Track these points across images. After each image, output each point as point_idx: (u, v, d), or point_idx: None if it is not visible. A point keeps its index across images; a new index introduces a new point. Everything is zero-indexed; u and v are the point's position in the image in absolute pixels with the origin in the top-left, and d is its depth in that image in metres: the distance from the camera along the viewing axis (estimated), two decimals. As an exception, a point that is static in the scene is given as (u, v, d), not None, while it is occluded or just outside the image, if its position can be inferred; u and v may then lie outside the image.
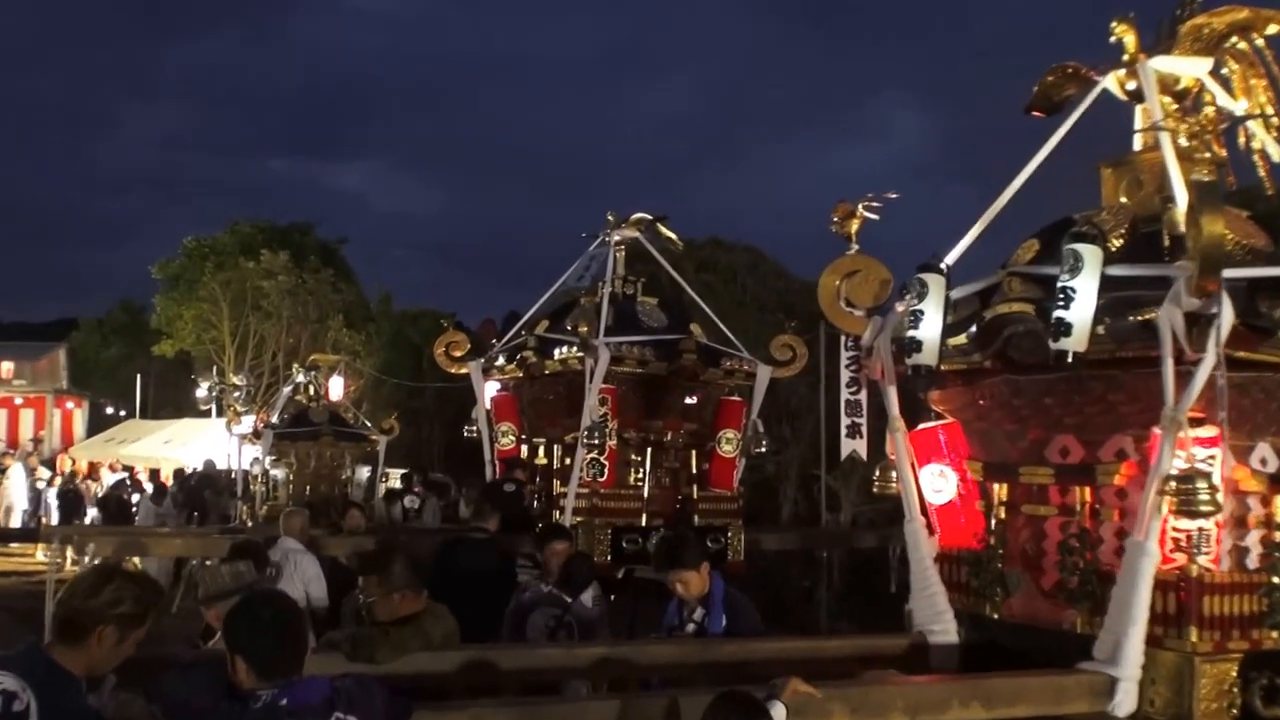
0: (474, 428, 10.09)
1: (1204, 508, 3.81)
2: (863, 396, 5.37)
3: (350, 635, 3.65)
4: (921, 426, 5.00)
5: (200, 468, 17.16)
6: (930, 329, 4.50)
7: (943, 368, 4.66)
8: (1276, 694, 4.05)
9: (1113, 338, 4.12)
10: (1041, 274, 4.42)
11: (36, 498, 20.16)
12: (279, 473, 14.63)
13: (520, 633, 5.88)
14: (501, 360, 9.96)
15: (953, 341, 4.68)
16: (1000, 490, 4.78)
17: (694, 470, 9.82)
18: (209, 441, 21.26)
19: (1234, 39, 4.81)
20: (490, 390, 10.34)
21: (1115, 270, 4.13)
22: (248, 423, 15.61)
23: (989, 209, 5.04)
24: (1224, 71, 4.96)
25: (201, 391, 22.78)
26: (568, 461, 9.35)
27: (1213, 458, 3.98)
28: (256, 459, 14.80)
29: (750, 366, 9.87)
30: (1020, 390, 4.70)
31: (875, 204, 5.19)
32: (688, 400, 9.80)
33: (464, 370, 10.15)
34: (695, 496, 9.69)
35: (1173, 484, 3.87)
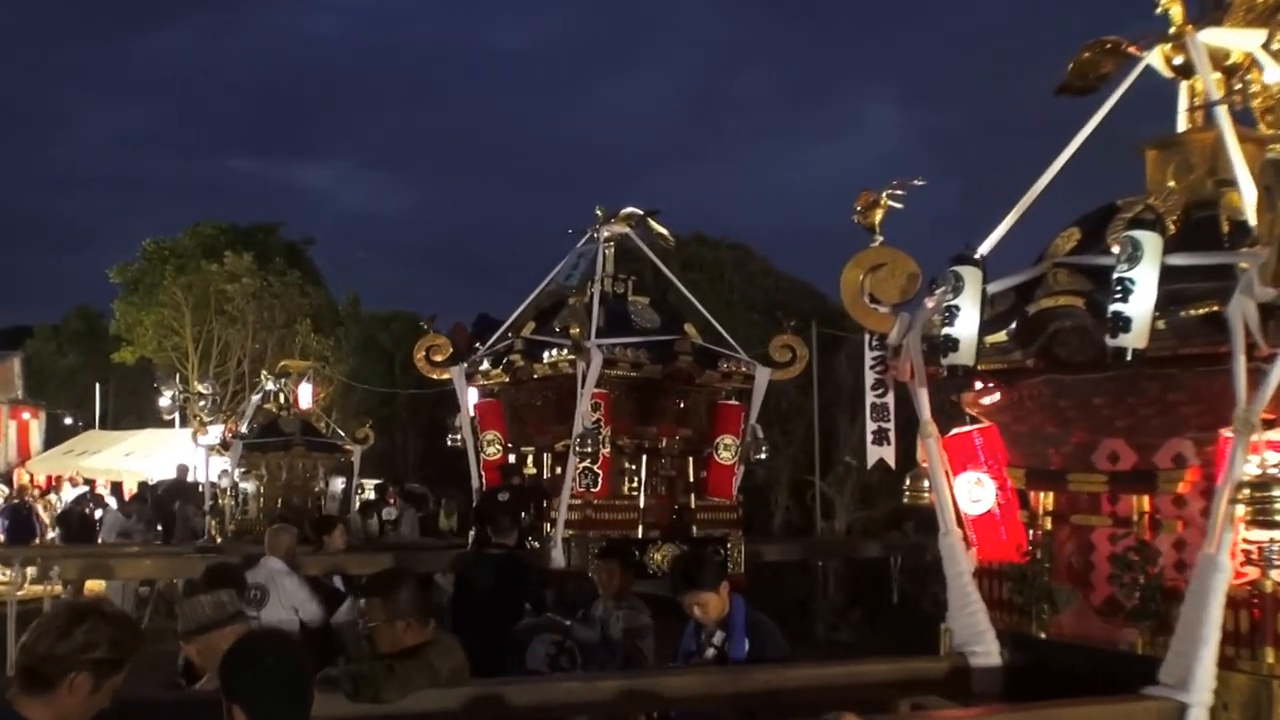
0: (457, 436, 9.77)
1: (1280, 517, 3.57)
2: (889, 399, 5.11)
3: (351, 673, 3.35)
4: (955, 431, 4.73)
5: (171, 476, 16.63)
6: (967, 326, 4.25)
7: (979, 367, 4.41)
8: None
9: (1174, 333, 3.87)
10: (1092, 264, 4.17)
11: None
12: (249, 485, 14.23)
13: (520, 663, 5.60)
14: (486, 365, 9.66)
15: (990, 339, 4.43)
16: (1046, 499, 4.53)
17: (691, 478, 9.57)
18: (173, 453, 20.78)
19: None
20: (471, 397, 10.03)
21: (1176, 259, 3.88)
22: (215, 433, 15.21)
23: (1024, 196, 4.80)
24: (1275, 46, 4.73)
25: (165, 400, 22.28)
26: (559, 471, 9.06)
27: (1289, 462, 3.74)
28: (225, 471, 14.41)
29: (748, 369, 9.61)
30: (1065, 391, 4.45)
31: (899, 191, 4.94)
32: (683, 405, 9.55)
33: (445, 376, 9.84)
34: (693, 506, 9.43)
35: (1246, 491, 3.62)
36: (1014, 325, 4.39)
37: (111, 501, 19.79)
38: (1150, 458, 4.29)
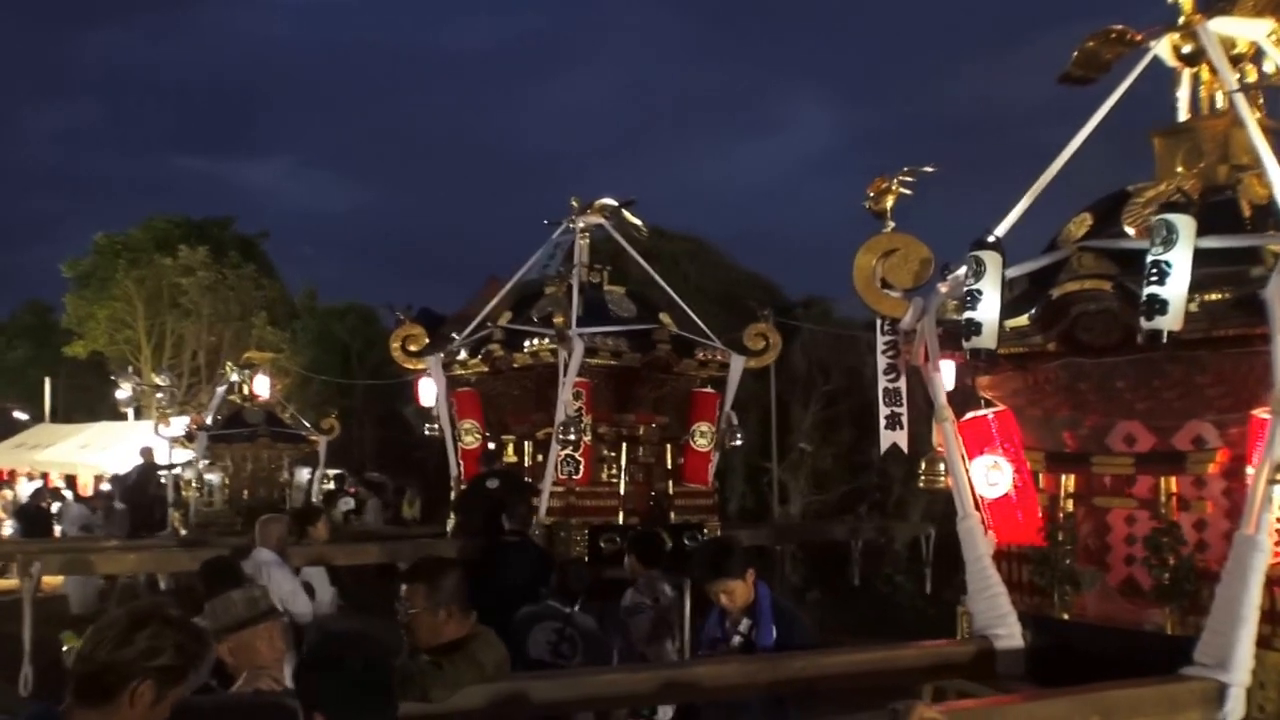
0: (434, 426, 9.49)
1: (1317, 497, 3.48)
2: (902, 384, 4.96)
3: (397, 669, 3.10)
4: (970, 415, 4.60)
5: (133, 466, 16.01)
6: (989, 310, 4.12)
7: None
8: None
9: (1206, 315, 3.76)
10: (1118, 249, 4.06)
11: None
12: (214, 476, 13.84)
13: (521, 652, 5.36)
14: (464, 354, 9.39)
15: (1010, 323, 4.31)
16: (1067, 482, 4.41)
17: (668, 465, 9.40)
18: (129, 445, 20.16)
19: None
20: (427, 387, 9.77)
21: (1208, 243, 3.78)
22: (178, 424, 14.74)
23: (1035, 183, 4.68)
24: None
25: (123, 393, 21.55)
26: (540, 459, 8.84)
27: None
28: (189, 462, 13.96)
29: (724, 357, 9.46)
30: (1083, 374, 4.33)
31: (909, 179, 4.80)
32: (660, 393, 9.37)
33: (421, 365, 9.56)
34: (670, 492, 9.26)
35: (1284, 471, 3.52)
36: (1036, 309, 4.26)
37: (68, 494, 19.13)
38: (1169, 440, 4.19)
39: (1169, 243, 3.67)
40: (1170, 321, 3.64)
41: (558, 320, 8.18)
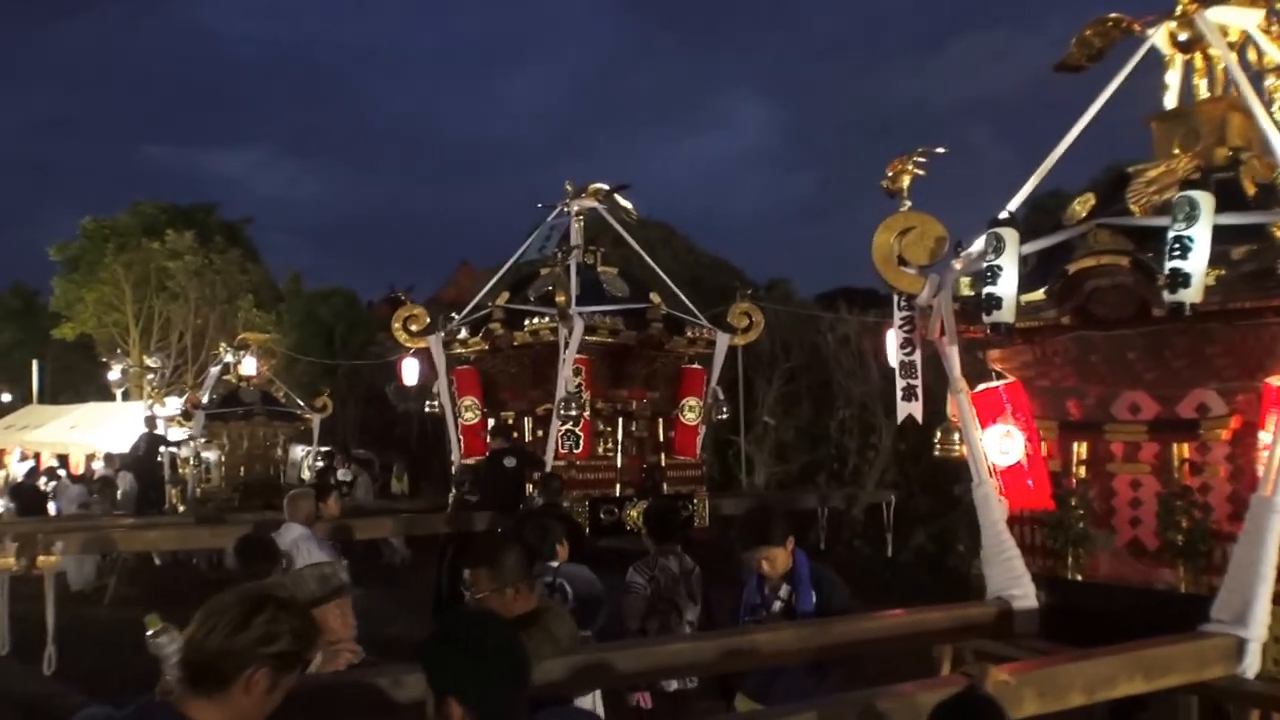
0: (435, 403, 9.34)
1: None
2: (917, 357, 4.89)
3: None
4: (982, 387, 4.55)
5: (129, 443, 15.59)
6: (1008, 285, 4.06)
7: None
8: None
9: (1222, 288, 3.73)
10: (1135, 225, 4.01)
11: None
12: (211, 454, 13.54)
13: None
14: (464, 333, 9.24)
15: (1025, 298, 4.25)
16: (1080, 449, 4.38)
17: (660, 439, 9.34)
18: (119, 425, 19.71)
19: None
20: (409, 367, 9.62)
21: (1226, 219, 3.73)
22: (173, 404, 14.42)
23: (1041, 165, 4.62)
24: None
25: (114, 374, 21.07)
26: (540, 434, 8.73)
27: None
28: (186, 440, 13.65)
29: (710, 334, 9.40)
30: (1093, 346, 4.29)
31: (922, 159, 4.73)
32: (651, 369, 9.30)
33: (422, 344, 9.39)
34: (662, 464, 9.21)
35: (1300, 437, 3.50)
36: (1051, 283, 4.21)
37: (62, 474, 18.67)
38: (1173, 408, 4.17)
39: (1191, 218, 3.62)
40: (1192, 294, 3.60)
41: (559, 299, 8.06)
